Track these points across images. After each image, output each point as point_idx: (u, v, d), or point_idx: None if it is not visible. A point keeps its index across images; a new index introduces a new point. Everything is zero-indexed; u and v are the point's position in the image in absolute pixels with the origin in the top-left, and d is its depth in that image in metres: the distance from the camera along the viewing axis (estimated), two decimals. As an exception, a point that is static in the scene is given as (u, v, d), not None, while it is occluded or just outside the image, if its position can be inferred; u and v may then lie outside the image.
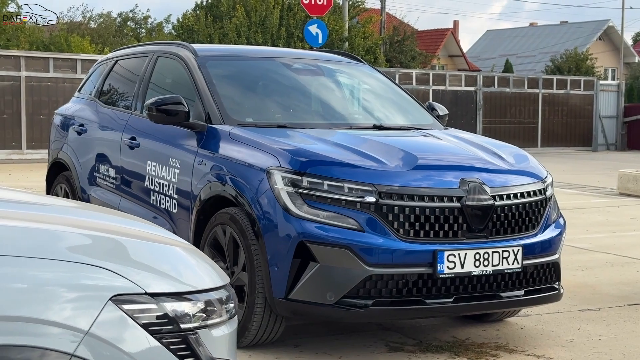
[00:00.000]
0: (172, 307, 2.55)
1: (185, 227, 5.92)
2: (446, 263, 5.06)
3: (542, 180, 5.68)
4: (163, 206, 6.20)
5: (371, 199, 5.03)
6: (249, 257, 5.25)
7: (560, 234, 5.67)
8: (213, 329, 2.63)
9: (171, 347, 2.53)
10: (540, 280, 5.51)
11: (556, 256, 5.58)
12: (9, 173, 17.03)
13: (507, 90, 28.34)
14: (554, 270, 5.59)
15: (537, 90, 29.02)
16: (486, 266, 5.18)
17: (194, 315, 2.58)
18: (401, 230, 5.04)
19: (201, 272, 2.75)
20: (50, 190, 8.04)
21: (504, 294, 5.30)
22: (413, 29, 45.97)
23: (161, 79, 6.87)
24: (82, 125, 7.57)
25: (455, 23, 61.51)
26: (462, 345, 5.62)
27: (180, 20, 36.84)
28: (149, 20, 54.35)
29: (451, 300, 5.13)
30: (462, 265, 5.11)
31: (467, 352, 5.47)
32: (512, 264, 5.27)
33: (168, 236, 2.98)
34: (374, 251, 4.97)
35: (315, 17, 23.40)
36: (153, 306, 2.52)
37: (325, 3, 23.44)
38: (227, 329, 2.72)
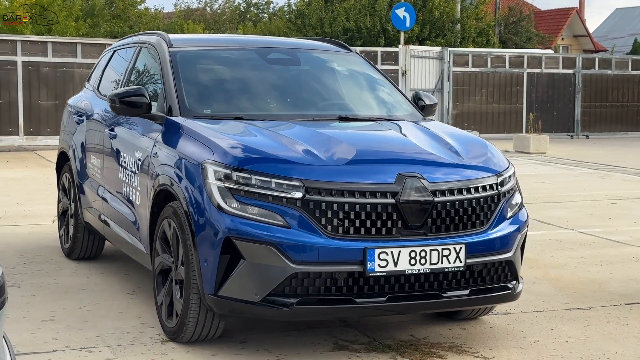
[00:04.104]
0: None
1: (145, 219, 5.89)
2: (377, 261, 4.87)
3: (498, 175, 5.38)
4: (130, 198, 6.20)
5: (298, 194, 4.88)
6: (185, 251, 5.18)
7: (517, 230, 5.37)
8: None
9: None
10: (490, 279, 5.25)
11: (510, 254, 5.28)
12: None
13: (609, 72, 27.28)
14: (507, 268, 5.30)
15: (642, 72, 27.83)
16: (423, 264, 4.96)
17: None
18: (329, 227, 4.87)
19: None
20: (59, 179, 8.15)
21: (445, 294, 5.07)
22: (532, 8, 44.82)
23: (141, 70, 6.85)
24: (81, 116, 7.65)
25: (581, 1, 59.64)
26: (413, 345, 5.41)
27: (295, 4, 37.10)
28: (271, 5, 54.97)
29: (384, 299, 4.94)
30: (396, 264, 4.91)
31: (414, 353, 5.27)
32: (454, 262, 5.03)
33: None
34: (299, 248, 4.82)
35: (403, 1, 23.04)
36: None
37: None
38: None
